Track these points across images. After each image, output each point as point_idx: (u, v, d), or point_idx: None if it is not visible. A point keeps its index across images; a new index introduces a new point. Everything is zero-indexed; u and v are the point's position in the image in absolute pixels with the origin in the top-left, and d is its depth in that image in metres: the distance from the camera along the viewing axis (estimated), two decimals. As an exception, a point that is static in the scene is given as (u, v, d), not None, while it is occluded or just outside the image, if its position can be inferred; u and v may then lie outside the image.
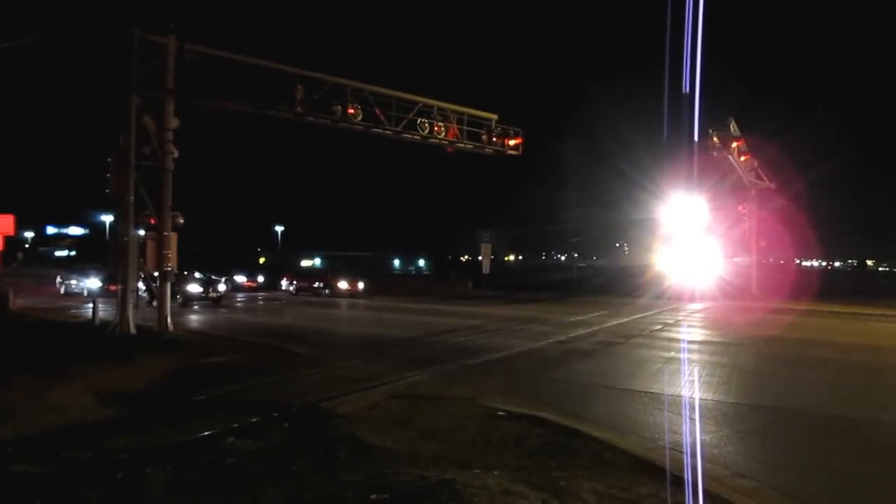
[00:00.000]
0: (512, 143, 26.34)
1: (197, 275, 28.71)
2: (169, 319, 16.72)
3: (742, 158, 35.01)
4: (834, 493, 6.31)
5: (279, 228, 77.93)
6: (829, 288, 44.57)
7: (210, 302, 28.00)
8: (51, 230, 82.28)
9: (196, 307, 26.67)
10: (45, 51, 16.85)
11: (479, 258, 49.28)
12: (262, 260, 63.70)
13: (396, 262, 80.00)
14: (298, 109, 19.71)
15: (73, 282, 33.72)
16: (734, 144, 34.21)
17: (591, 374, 12.26)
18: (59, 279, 35.56)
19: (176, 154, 16.85)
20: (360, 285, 36.70)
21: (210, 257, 42.74)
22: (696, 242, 34.31)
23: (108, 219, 56.21)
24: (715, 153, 34.01)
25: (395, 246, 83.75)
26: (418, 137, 23.46)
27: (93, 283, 32.02)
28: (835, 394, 10.73)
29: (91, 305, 19.20)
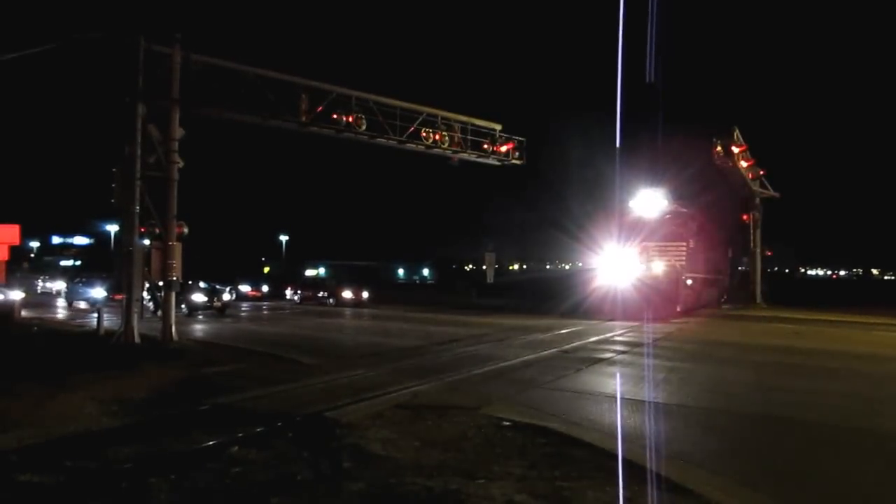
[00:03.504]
0: (516, 152, 26.40)
1: (201, 284, 28.81)
2: (173, 329, 16.74)
3: (746, 166, 34.96)
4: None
5: (283, 238, 77.90)
6: (834, 297, 44.44)
7: (214, 311, 28.07)
8: (56, 240, 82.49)
9: (200, 316, 26.72)
10: (51, 60, 16.94)
11: (484, 267, 49.24)
12: (266, 269, 63.84)
13: (401, 272, 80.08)
14: (303, 119, 19.80)
15: (78, 291, 33.85)
16: (738, 153, 34.16)
17: (595, 383, 12.22)
18: (64, 289, 35.71)
19: (181, 164, 16.93)
20: (365, 294, 36.76)
21: (214, 267, 42.83)
22: (678, 245, 28.87)
23: (112, 228, 56.30)
24: (718, 162, 33.96)
25: (400, 255, 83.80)
26: (422, 147, 23.53)
27: (98, 292, 32.14)
28: (852, 405, 10.65)
29: (96, 315, 19.23)
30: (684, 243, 28.57)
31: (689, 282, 29.10)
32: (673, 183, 30.30)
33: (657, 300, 25.52)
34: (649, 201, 28.52)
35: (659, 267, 27.30)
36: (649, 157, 30.51)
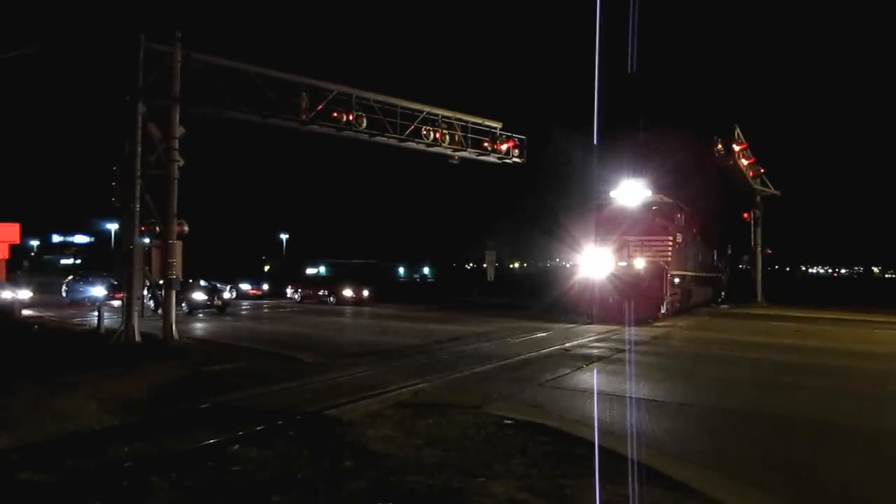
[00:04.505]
0: (516, 151, 26.37)
1: (202, 283, 28.77)
2: (174, 327, 16.74)
3: (747, 165, 34.94)
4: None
5: (284, 236, 77.87)
6: (835, 295, 44.44)
7: (215, 310, 28.05)
8: (56, 238, 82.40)
9: (201, 315, 26.71)
10: (53, 59, 16.95)
11: (484, 265, 49.27)
12: (267, 268, 63.68)
13: (401, 270, 79.88)
14: (303, 117, 19.76)
15: (79, 290, 33.82)
16: (739, 152, 34.13)
17: (596, 382, 12.20)
18: (64, 287, 35.69)
19: (181, 162, 16.91)
20: (365, 293, 36.73)
21: (215, 265, 42.84)
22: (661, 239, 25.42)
23: (113, 227, 56.21)
24: (719, 160, 33.89)
25: (400, 254, 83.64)
26: (422, 145, 23.49)
27: (98, 291, 32.12)
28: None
29: (96, 313, 19.23)
30: (670, 238, 25.55)
31: (677, 280, 26.64)
32: (661, 174, 28.29)
33: (639, 300, 23.22)
34: (631, 191, 25.85)
35: (640, 264, 24.39)
36: (637, 149, 29.32)
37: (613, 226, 25.11)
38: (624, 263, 24.51)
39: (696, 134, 33.99)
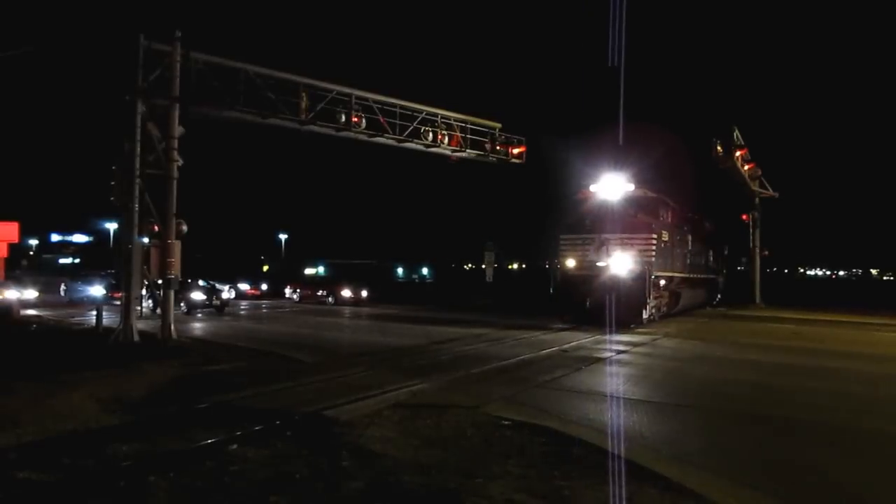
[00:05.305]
0: (515, 151, 26.36)
1: (201, 282, 28.78)
2: (172, 327, 16.73)
3: (746, 167, 34.93)
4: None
5: (283, 236, 77.89)
6: (834, 297, 44.47)
7: (214, 310, 28.06)
8: (55, 237, 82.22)
9: (200, 315, 26.72)
10: (52, 58, 16.97)
11: (483, 266, 49.22)
12: (265, 268, 63.70)
13: (400, 271, 79.89)
14: (302, 117, 19.76)
15: (78, 289, 33.82)
16: (738, 153, 34.09)
17: (595, 383, 12.22)
18: (63, 286, 35.69)
19: (180, 162, 16.91)
20: (364, 293, 36.74)
21: (214, 265, 42.85)
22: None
23: (112, 226, 56.26)
24: (718, 162, 33.84)
25: (399, 254, 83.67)
26: (421, 146, 23.49)
27: (97, 290, 32.12)
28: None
29: (95, 313, 19.23)
30: (653, 236, 23.41)
31: (663, 282, 24.71)
32: (653, 171, 26.69)
33: (620, 303, 21.48)
34: (612, 185, 23.68)
35: (621, 264, 22.58)
36: (626, 143, 28.37)
37: (593, 222, 23.61)
38: (603, 264, 22.86)
39: (692, 132, 33.83)
